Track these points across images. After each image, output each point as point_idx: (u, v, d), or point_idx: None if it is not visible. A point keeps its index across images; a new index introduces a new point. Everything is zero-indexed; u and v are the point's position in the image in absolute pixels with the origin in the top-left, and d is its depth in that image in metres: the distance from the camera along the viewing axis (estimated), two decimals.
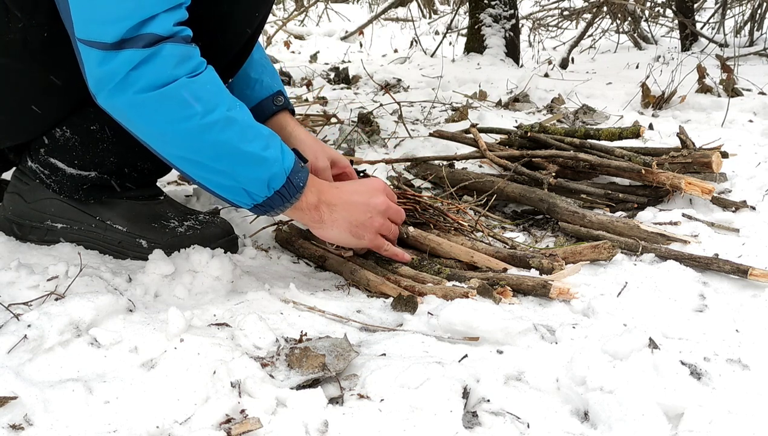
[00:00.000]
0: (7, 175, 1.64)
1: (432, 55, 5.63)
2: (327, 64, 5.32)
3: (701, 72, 3.53)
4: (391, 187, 1.82)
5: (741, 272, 1.46)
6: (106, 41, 1.14)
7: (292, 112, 1.66)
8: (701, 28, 5.58)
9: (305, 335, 1.17)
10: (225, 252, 1.44)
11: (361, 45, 6.68)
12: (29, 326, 1.09)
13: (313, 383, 1.04)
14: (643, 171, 1.87)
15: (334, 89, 3.97)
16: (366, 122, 2.72)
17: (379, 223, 1.43)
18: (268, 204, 1.29)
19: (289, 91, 3.84)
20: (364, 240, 1.43)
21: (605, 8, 5.56)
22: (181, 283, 1.36)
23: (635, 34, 5.84)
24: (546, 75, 4.33)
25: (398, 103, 3.02)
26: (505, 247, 1.63)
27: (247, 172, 1.25)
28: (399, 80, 4.17)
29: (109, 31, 1.14)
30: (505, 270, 1.49)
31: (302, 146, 1.57)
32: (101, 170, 1.48)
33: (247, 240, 1.68)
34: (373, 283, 1.44)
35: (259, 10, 1.43)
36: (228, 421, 0.96)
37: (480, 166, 2.32)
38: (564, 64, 5.00)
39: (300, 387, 1.03)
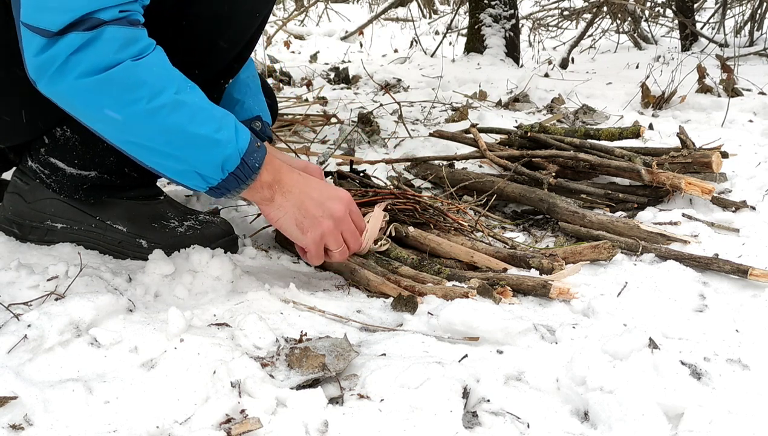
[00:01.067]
0: (7, 176, 1.64)
1: (432, 55, 5.63)
2: (327, 64, 5.32)
3: (701, 72, 3.53)
4: (391, 186, 1.83)
5: (741, 272, 1.46)
6: (50, 29, 1.12)
7: (270, 139, 1.62)
8: (701, 28, 5.58)
9: (305, 335, 1.17)
10: (225, 252, 1.44)
11: (361, 45, 6.68)
12: (29, 326, 1.09)
13: (313, 383, 1.04)
14: (643, 171, 1.87)
15: (334, 89, 3.98)
16: (366, 122, 2.73)
17: (328, 226, 1.35)
18: (223, 186, 1.25)
19: (289, 91, 3.84)
20: (306, 237, 1.35)
21: (605, 8, 5.56)
22: (181, 283, 1.36)
23: (635, 34, 5.85)
24: (546, 75, 4.34)
25: (398, 103, 3.02)
26: (505, 247, 1.63)
27: (199, 155, 1.21)
28: (399, 80, 4.17)
29: (55, 19, 1.12)
30: (505, 270, 1.49)
31: None
32: (101, 170, 1.48)
33: (247, 240, 1.68)
34: (373, 283, 1.44)
35: (259, 11, 1.43)
36: (228, 421, 0.96)
37: (480, 166, 2.32)
38: (564, 64, 5.00)
39: (300, 387, 1.03)
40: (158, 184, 1.66)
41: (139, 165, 1.51)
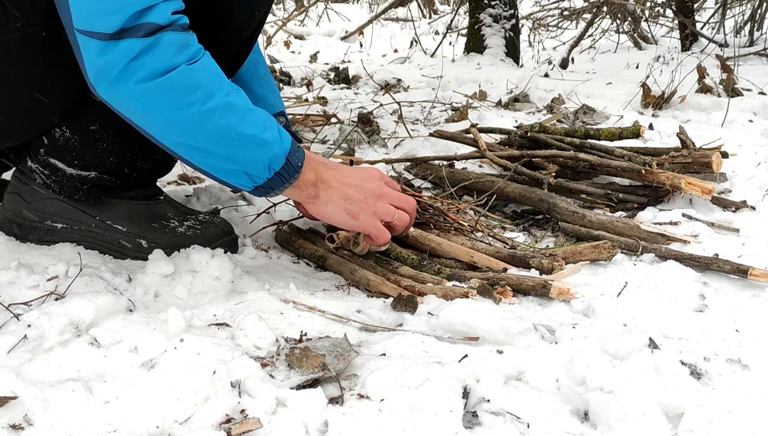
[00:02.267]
0: (7, 175, 1.64)
1: (432, 55, 5.63)
2: (327, 64, 5.32)
3: (701, 72, 3.53)
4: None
5: (741, 272, 1.46)
6: (105, 31, 1.14)
7: (293, 135, 1.66)
8: (701, 28, 5.58)
9: (305, 335, 1.17)
10: (225, 252, 1.44)
11: (361, 45, 6.68)
12: (29, 326, 1.09)
13: (313, 383, 1.04)
14: (643, 171, 1.87)
15: (334, 89, 3.98)
16: (366, 122, 2.73)
17: (374, 205, 1.40)
18: (268, 185, 1.30)
19: (289, 91, 3.85)
20: (359, 221, 1.40)
21: (605, 8, 5.56)
22: (181, 283, 1.36)
23: (635, 34, 5.85)
24: (546, 75, 4.33)
25: (398, 103, 3.02)
26: (505, 247, 1.63)
27: (248, 155, 1.25)
28: (399, 80, 4.17)
29: (108, 21, 1.14)
30: (505, 270, 1.49)
31: None
32: (101, 170, 1.48)
33: (247, 240, 1.68)
34: (373, 283, 1.44)
35: (258, 8, 1.43)
36: (228, 421, 0.96)
37: (480, 166, 2.32)
38: (564, 64, 5.00)
39: (300, 387, 1.03)
40: (158, 184, 1.66)
41: (139, 165, 1.52)
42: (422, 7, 8.51)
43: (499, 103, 3.38)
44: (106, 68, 1.16)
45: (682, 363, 1.08)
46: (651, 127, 2.78)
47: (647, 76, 3.52)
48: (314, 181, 1.35)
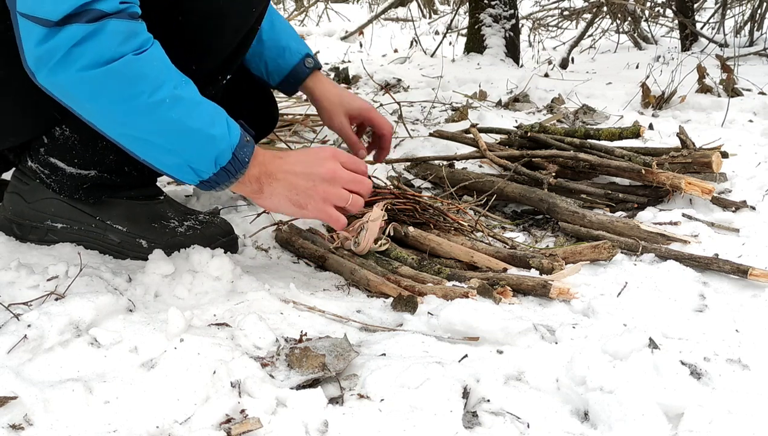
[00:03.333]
0: (7, 176, 1.64)
1: (432, 55, 5.62)
2: (327, 64, 5.31)
3: (701, 72, 3.53)
4: (391, 186, 1.83)
5: (741, 272, 1.46)
6: (50, 18, 1.11)
7: (319, 67, 1.74)
8: (701, 28, 5.58)
9: (305, 335, 1.17)
10: (225, 252, 1.44)
11: (361, 45, 6.68)
12: (29, 326, 1.09)
13: (313, 383, 1.04)
14: (643, 171, 1.87)
15: None
16: None
17: (324, 190, 1.34)
18: (213, 180, 1.27)
19: None
20: (308, 210, 1.35)
21: (605, 8, 5.56)
22: (181, 283, 1.36)
23: (635, 34, 5.84)
24: (546, 75, 4.33)
25: (398, 103, 3.02)
26: (505, 247, 1.63)
27: (194, 149, 1.23)
28: (399, 80, 4.16)
29: (55, 8, 1.11)
30: (505, 270, 1.49)
31: (324, 104, 1.74)
32: (101, 169, 1.48)
33: (247, 240, 1.68)
34: (373, 283, 1.44)
35: (256, 5, 1.43)
36: (228, 421, 0.96)
37: (480, 166, 2.32)
38: (564, 64, 5.00)
39: (300, 387, 1.03)
40: (158, 184, 1.65)
41: (140, 164, 1.51)
42: (422, 7, 8.51)
43: (499, 103, 3.38)
44: (47, 54, 1.13)
45: (682, 363, 1.08)
46: (651, 127, 2.78)
47: (647, 76, 3.52)
48: (258, 176, 1.31)
